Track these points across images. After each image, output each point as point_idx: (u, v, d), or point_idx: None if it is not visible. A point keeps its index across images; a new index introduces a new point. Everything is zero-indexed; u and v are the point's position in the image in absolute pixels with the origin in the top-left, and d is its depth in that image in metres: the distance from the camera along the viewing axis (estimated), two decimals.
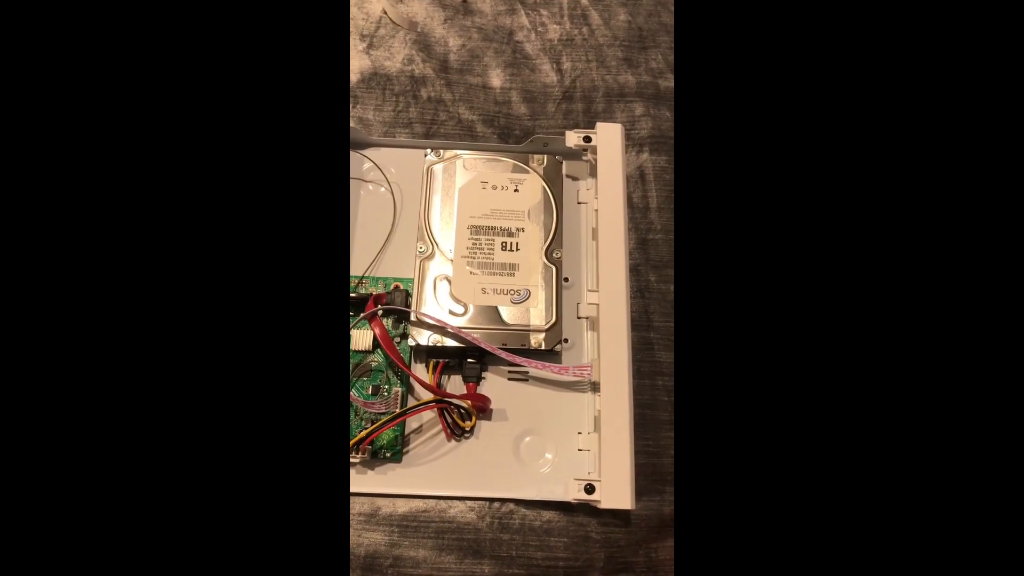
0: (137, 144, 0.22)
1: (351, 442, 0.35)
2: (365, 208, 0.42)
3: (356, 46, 0.44)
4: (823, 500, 0.21)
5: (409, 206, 0.42)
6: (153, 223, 0.21)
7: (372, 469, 0.37)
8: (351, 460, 0.36)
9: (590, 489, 0.34)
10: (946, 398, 0.21)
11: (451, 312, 0.38)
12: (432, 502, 0.36)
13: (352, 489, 0.36)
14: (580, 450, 0.37)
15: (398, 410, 0.36)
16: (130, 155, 0.22)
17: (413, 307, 0.37)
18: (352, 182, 0.42)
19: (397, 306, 0.38)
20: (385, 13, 0.45)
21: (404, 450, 0.37)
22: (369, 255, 0.41)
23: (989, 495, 0.21)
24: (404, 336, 0.38)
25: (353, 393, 0.36)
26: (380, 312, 0.38)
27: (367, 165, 0.42)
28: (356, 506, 0.36)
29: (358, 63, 0.44)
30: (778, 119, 0.23)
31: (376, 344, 0.38)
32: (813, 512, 0.21)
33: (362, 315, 0.37)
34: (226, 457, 0.21)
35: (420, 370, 0.38)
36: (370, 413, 0.36)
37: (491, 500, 0.36)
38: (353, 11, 0.45)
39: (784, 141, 0.23)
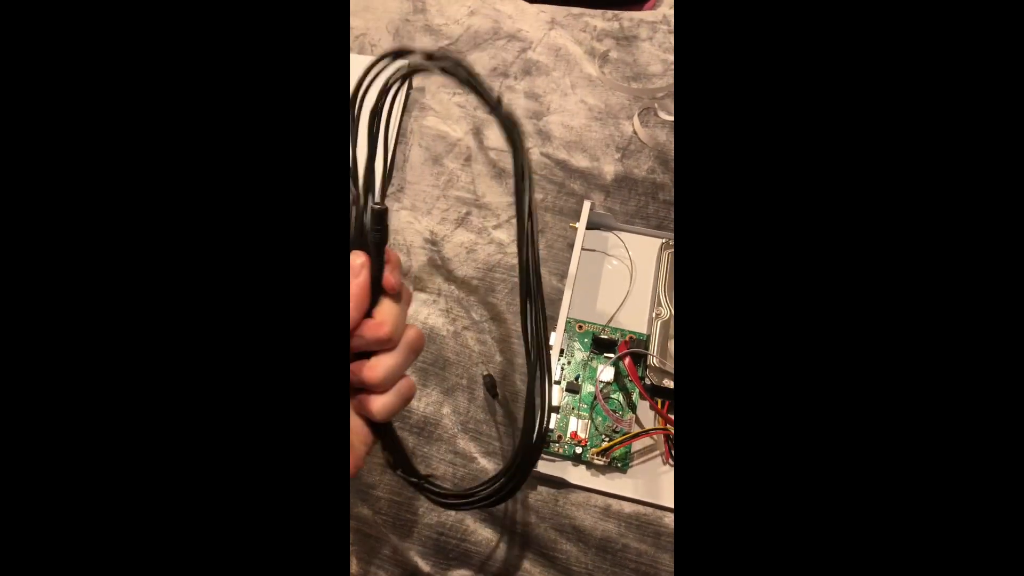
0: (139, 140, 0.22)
1: (599, 449, 0.45)
2: (608, 274, 0.54)
3: (613, 155, 0.58)
4: (824, 505, 0.21)
5: (640, 278, 0.53)
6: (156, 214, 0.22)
7: (604, 474, 0.46)
8: (595, 461, 0.46)
9: None
10: (942, 410, 0.21)
11: None
12: (651, 509, 0.45)
13: (590, 486, 0.46)
14: None
15: (634, 430, 0.46)
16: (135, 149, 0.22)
17: (652, 353, 0.48)
18: (599, 255, 0.54)
19: (642, 350, 0.49)
20: (635, 133, 0.59)
21: (630, 464, 0.47)
22: (609, 310, 0.52)
23: (989, 495, 0.20)
24: (641, 378, 0.49)
25: (608, 407, 0.47)
26: (628, 354, 0.48)
27: (612, 241, 0.55)
28: (593, 499, 0.45)
29: (613, 168, 0.57)
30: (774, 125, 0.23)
31: (615, 378, 0.48)
32: (814, 517, 0.21)
33: (619, 355, 0.48)
34: (224, 456, 0.22)
35: (645, 405, 0.48)
36: (620, 429, 0.46)
37: None
38: (611, 130, 0.59)
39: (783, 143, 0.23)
